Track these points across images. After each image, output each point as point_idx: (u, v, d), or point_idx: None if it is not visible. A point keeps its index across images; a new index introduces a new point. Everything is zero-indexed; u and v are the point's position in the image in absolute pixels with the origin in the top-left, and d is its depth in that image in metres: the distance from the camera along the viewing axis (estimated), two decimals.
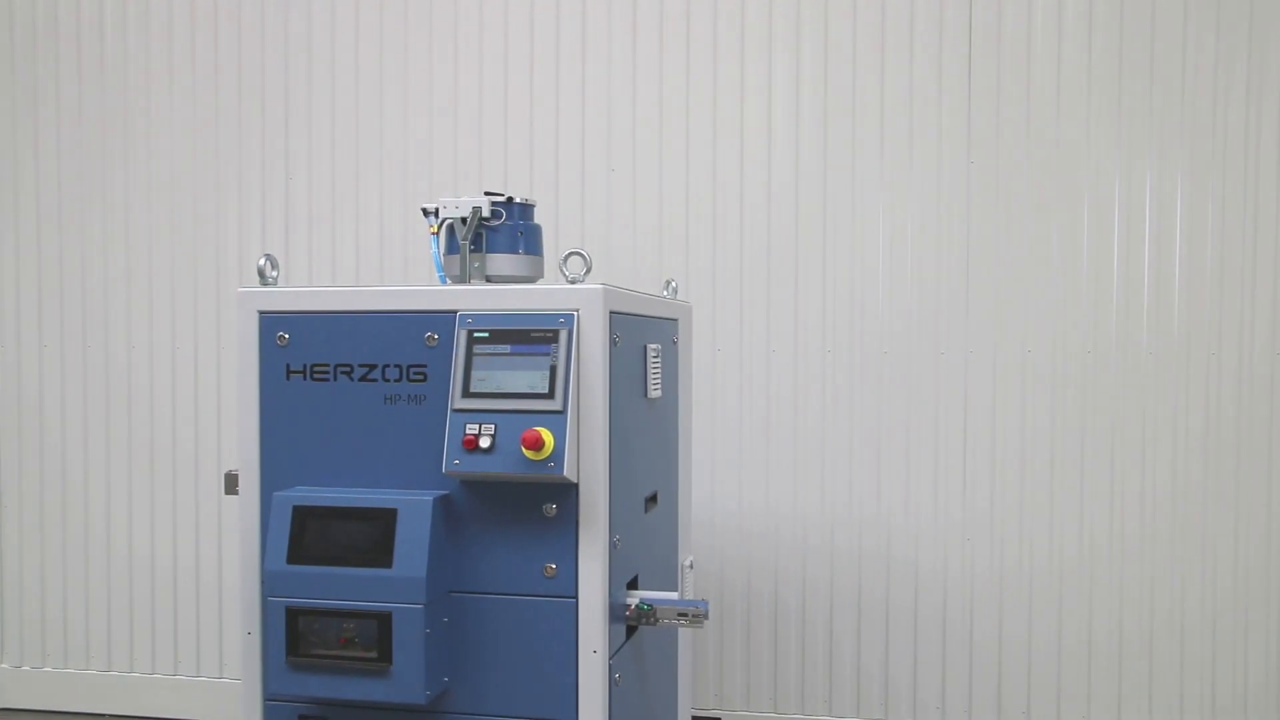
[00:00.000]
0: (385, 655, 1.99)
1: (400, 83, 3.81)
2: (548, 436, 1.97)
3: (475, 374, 2.05)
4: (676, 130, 3.68)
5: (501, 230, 2.37)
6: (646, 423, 2.46)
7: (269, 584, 2.07)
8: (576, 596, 2.07)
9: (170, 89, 3.91)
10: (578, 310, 2.05)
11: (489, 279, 2.37)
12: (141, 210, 3.93)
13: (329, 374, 2.17)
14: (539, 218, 2.50)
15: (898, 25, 3.56)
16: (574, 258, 2.25)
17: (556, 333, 2.03)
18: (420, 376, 2.12)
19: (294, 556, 2.04)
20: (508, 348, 2.05)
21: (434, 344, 2.11)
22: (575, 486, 2.06)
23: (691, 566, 2.95)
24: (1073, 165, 3.51)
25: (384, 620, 1.99)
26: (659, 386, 2.51)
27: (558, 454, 1.98)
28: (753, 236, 3.65)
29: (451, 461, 2.02)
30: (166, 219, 3.92)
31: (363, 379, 2.14)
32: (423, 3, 3.78)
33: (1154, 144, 3.48)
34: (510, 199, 2.39)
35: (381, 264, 3.82)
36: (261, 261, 2.26)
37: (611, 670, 2.12)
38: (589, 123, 3.72)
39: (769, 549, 3.68)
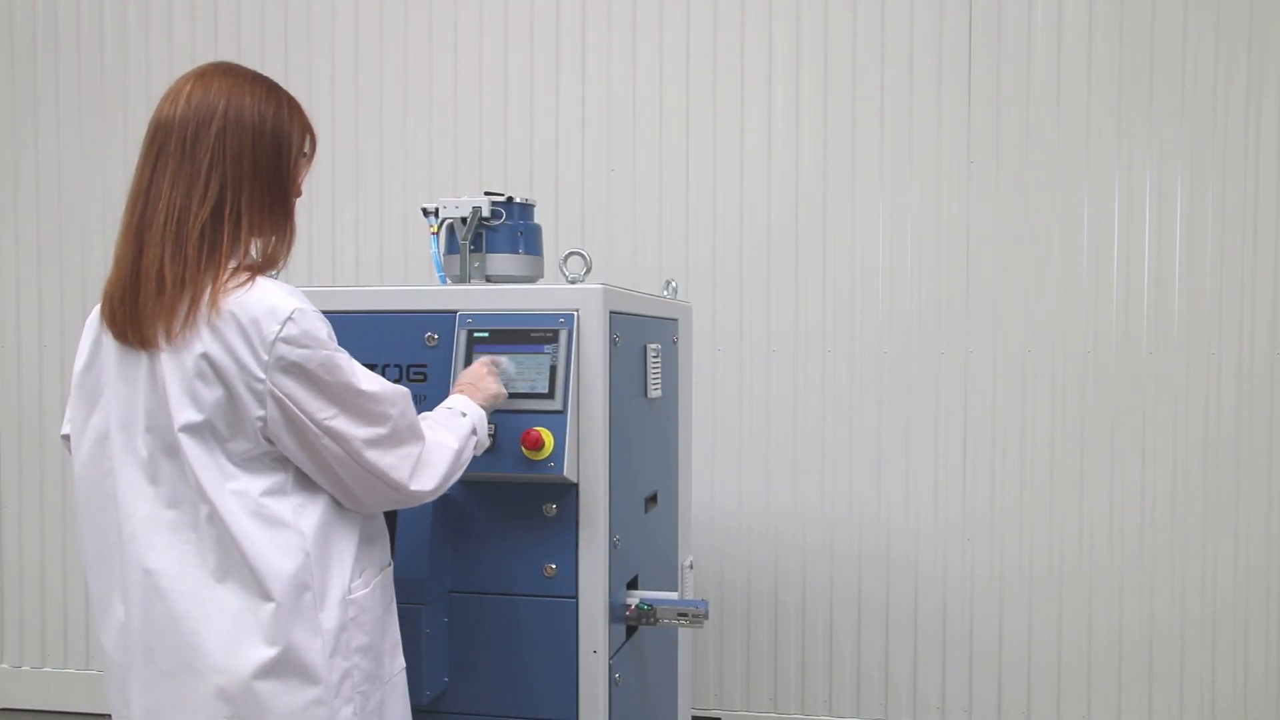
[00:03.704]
0: None
1: (400, 83, 3.80)
2: (548, 436, 1.97)
3: None
4: (676, 130, 3.68)
5: (501, 230, 2.37)
6: (646, 423, 2.46)
7: None
8: (576, 596, 2.07)
9: None
10: (578, 310, 2.05)
11: (489, 279, 2.37)
12: None
13: None
14: (539, 218, 2.49)
15: (897, 26, 3.56)
16: (574, 258, 2.25)
17: (556, 333, 2.03)
18: (420, 376, 2.12)
19: None
20: (508, 348, 2.05)
21: (434, 344, 2.11)
22: (575, 486, 2.06)
23: (691, 566, 2.94)
24: (1073, 165, 3.51)
25: None
26: (659, 386, 2.51)
27: (558, 454, 1.98)
28: (753, 236, 3.65)
29: None
30: None
31: None
32: (423, 3, 3.78)
33: (1154, 144, 3.48)
34: (510, 199, 2.39)
35: (381, 264, 3.82)
36: None
37: (611, 670, 2.12)
38: (589, 123, 3.72)
39: (769, 549, 3.68)
